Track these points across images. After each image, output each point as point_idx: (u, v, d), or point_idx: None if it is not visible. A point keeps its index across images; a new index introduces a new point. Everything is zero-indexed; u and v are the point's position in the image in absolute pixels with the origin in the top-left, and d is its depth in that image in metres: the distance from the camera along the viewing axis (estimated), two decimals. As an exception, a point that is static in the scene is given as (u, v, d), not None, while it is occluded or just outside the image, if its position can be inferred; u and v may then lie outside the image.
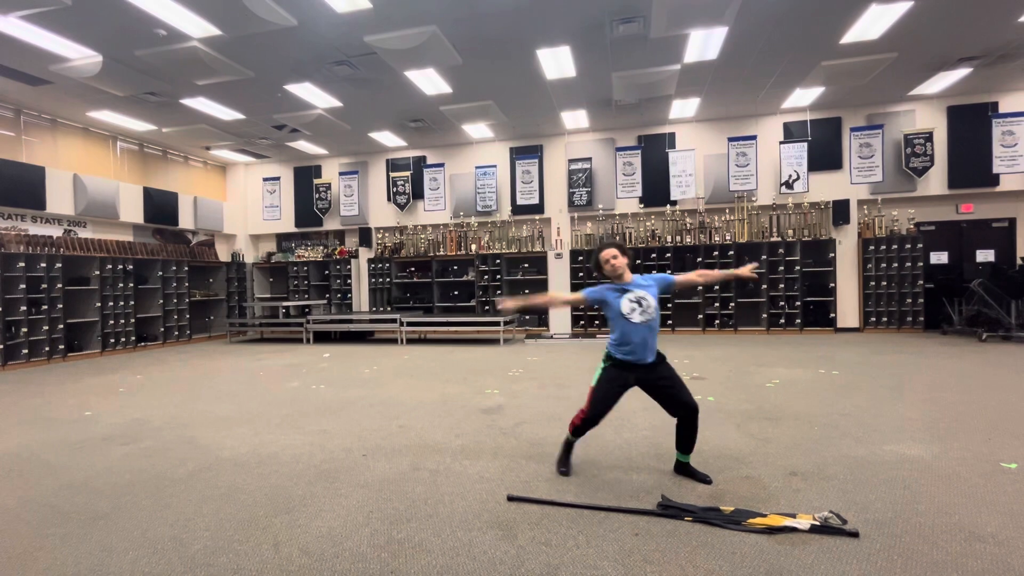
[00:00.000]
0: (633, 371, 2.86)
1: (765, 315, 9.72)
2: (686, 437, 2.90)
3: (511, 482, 2.96)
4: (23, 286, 7.95)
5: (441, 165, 11.26)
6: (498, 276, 10.85)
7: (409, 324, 9.73)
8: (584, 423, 2.94)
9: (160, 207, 10.75)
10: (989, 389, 4.88)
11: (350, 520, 2.55)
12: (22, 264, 7.97)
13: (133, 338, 9.62)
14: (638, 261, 10.09)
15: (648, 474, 3.02)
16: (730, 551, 2.17)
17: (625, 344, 2.85)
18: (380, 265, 11.60)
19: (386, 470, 3.20)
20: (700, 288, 9.78)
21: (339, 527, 2.48)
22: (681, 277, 3.02)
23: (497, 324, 9.10)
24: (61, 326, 8.43)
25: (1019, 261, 8.82)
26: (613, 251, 2.91)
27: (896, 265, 9.31)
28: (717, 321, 9.92)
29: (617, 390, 2.90)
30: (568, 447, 3.11)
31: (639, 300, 2.83)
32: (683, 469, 2.97)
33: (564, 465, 3.09)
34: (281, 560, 2.20)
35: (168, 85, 7.63)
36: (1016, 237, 9.32)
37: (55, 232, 9.14)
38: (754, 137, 9.75)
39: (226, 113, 8.98)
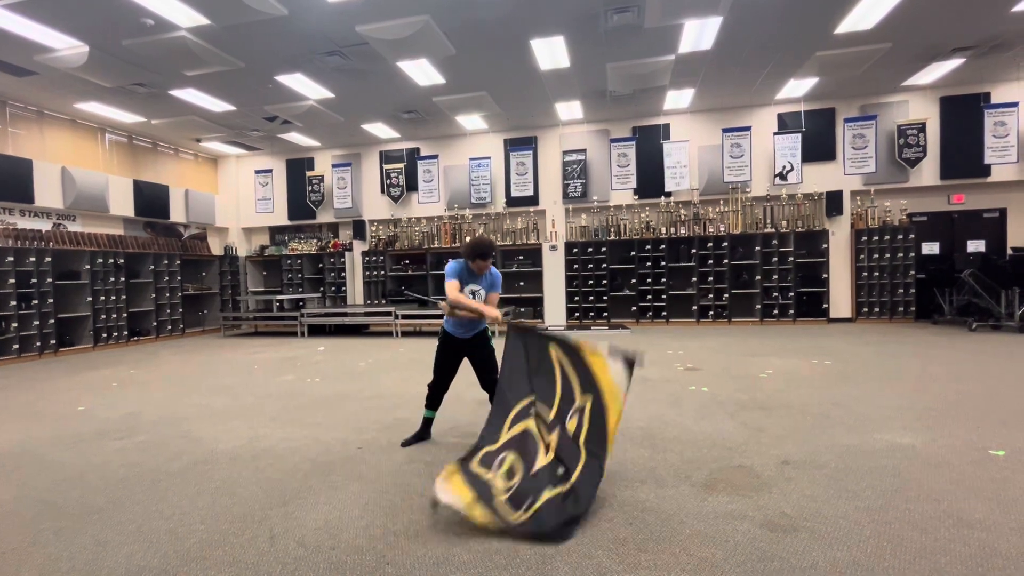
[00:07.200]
0: (455, 343, 3.44)
1: (759, 306, 9.78)
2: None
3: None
4: (12, 281, 7.86)
5: (435, 157, 11.19)
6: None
7: (404, 317, 9.71)
8: (431, 388, 3.52)
9: (151, 200, 10.64)
10: (978, 378, 4.94)
11: (346, 512, 2.55)
12: (11, 258, 7.88)
13: (126, 333, 9.55)
14: (632, 253, 10.16)
15: (642, 463, 3.05)
16: (723, 539, 2.20)
17: (451, 320, 3.42)
18: (374, 258, 11.55)
19: (382, 462, 3.21)
20: (694, 280, 9.93)
21: (335, 519, 2.48)
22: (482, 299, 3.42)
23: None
24: (52, 321, 8.36)
25: (1009, 251, 8.90)
26: (488, 263, 3.41)
27: (888, 256, 9.36)
28: (711, 312, 9.97)
29: (451, 358, 3.47)
30: (425, 422, 3.61)
31: (474, 293, 3.42)
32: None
33: (415, 439, 3.55)
34: (277, 552, 2.21)
35: (156, 76, 7.52)
36: (1007, 227, 9.40)
37: (44, 226, 9.02)
38: (748, 128, 9.74)
39: (216, 104, 8.87)
